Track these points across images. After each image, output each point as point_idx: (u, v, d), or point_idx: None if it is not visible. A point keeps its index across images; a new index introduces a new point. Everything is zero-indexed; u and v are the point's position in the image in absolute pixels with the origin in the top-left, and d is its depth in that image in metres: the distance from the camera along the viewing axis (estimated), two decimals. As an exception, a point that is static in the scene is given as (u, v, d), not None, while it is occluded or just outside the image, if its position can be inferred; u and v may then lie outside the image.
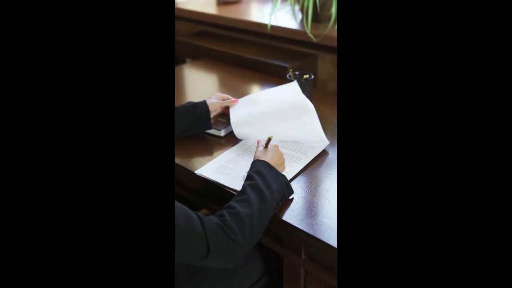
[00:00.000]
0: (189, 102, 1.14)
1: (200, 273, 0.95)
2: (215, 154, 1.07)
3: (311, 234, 0.81)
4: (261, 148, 0.95)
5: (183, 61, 1.88)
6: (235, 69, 1.64)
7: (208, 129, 1.14)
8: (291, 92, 1.13)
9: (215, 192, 0.97)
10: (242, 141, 1.11)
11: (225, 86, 1.56)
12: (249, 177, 0.85)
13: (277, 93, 1.15)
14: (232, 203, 0.79)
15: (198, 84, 1.59)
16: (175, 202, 0.72)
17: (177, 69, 1.73)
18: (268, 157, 0.91)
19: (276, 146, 0.96)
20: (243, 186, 0.83)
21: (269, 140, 0.96)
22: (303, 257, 0.88)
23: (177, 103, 1.16)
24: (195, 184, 1.04)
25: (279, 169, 0.91)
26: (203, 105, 1.12)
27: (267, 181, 0.83)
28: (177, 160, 1.05)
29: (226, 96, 1.18)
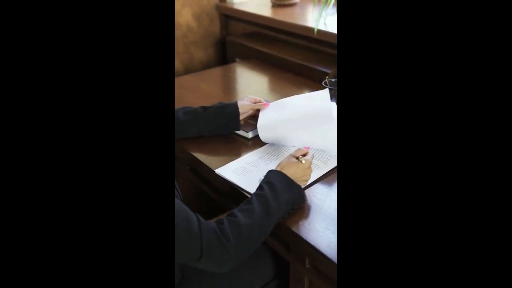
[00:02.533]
0: (221, 103, 1.17)
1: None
2: (240, 155, 1.10)
3: (313, 245, 0.81)
4: (293, 159, 0.92)
5: (233, 60, 1.93)
6: (279, 72, 1.65)
7: (237, 130, 1.17)
8: (321, 99, 1.13)
9: (236, 193, 1.00)
10: (267, 144, 1.13)
11: (267, 88, 1.58)
12: (259, 187, 0.86)
13: (307, 100, 1.15)
14: (235, 211, 0.81)
15: (243, 84, 1.63)
16: (178, 202, 0.76)
17: (225, 67, 1.78)
18: (290, 171, 0.89)
19: (308, 162, 0.92)
20: (251, 196, 0.85)
21: (304, 154, 0.93)
22: (307, 266, 0.88)
23: (228, 99, 1.20)
24: (221, 184, 1.07)
25: (300, 182, 0.90)
26: (233, 106, 1.15)
27: (276, 193, 0.83)
28: (202, 158, 1.09)
29: (258, 99, 1.21)
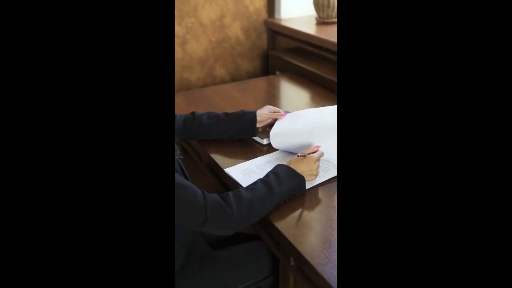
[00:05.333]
0: (242, 110, 1.29)
1: (212, 259, 1.08)
2: (252, 158, 1.20)
3: (295, 246, 0.89)
4: (298, 157, 1.05)
5: (273, 73, 2.05)
6: (312, 87, 1.74)
7: (253, 136, 1.28)
8: (331, 114, 1.20)
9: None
10: (278, 151, 1.22)
11: (296, 101, 1.67)
12: (266, 175, 1.00)
13: (319, 113, 1.23)
14: (240, 188, 0.97)
15: (274, 96, 1.73)
16: (186, 181, 0.91)
17: (262, 79, 1.91)
18: (295, 165, 1.02)
19: (312, 158, 1.05)
20: (257, 180, 0.99)
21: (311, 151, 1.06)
22: (292, 263, 0.96)
23: (255, 108, 1.31)
24: (230, 183, 1.16)
25: (306, 176, 1.02)
26: (252, 115, 1.26)
27: (279, 179, 0.98)
28: (217, 158, 1.21)
29: (277, 109, 1.31)
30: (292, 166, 1.03)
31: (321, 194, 1.05)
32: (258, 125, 1.27)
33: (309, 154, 1.06)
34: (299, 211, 0.99)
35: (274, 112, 1.30)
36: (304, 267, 0.90)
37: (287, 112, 1.32)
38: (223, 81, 2.16)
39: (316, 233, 0.92)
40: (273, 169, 1.02)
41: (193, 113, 1.29)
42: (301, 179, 1.01)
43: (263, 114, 1.27)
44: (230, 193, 0.94)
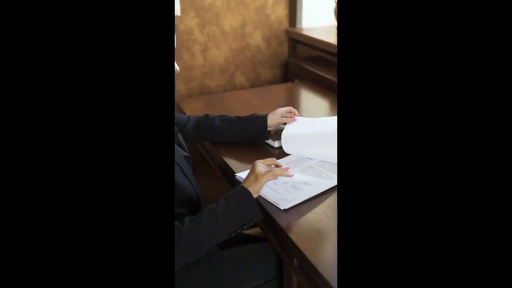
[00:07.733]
0: (254, 114, 1.31)
1: (218, 258, 1.10)
2: (264, 162, 1.22)
3: (300, 247, 0.89)
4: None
5: (292, 80, 2.07)
6: (330, 94, 1.75)
7: (265, 140, 1.29)
8: None
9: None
10: (290, 155, 1.23)
11: (314, 107, 1.68)
12: (221, 200, 0.95)
13: (331, 122, 1.24)
14: (188, 219, 0.91)
15: (290, 102, 1.75)
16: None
17: (279, 86, 1.94)
18: (246, 180, 0.99)
19: (254, 165, 1.01)
20: (209, 208, 0.93)
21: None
22: (295, 263, 0.96)
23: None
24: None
25: (254, 186, 0.97)
26: (262, 120, 1.27)
27: (227, 211, 0.93)
28: (229, 160, 1.23)
29: (288, 109, 1.31)
30: (244, 181, 0.98)
31: (329, 198, 1.05)
32: (269, 129, 1.28)
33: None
34: (306, 213, 1.00)
35: (286, 113, 1.31)
36: (307, 268, 0.90)
37: (303, 117, 1.32)
38: (243, 89, 2.19)
39: (321, 234, 0.92)
40: (229, 192, 0.96)
41: (207, 115, 1.32)
42: (251, 207, 0.94)
43: (273, 119, 1.28)
44: (176, 227, 0.89)
